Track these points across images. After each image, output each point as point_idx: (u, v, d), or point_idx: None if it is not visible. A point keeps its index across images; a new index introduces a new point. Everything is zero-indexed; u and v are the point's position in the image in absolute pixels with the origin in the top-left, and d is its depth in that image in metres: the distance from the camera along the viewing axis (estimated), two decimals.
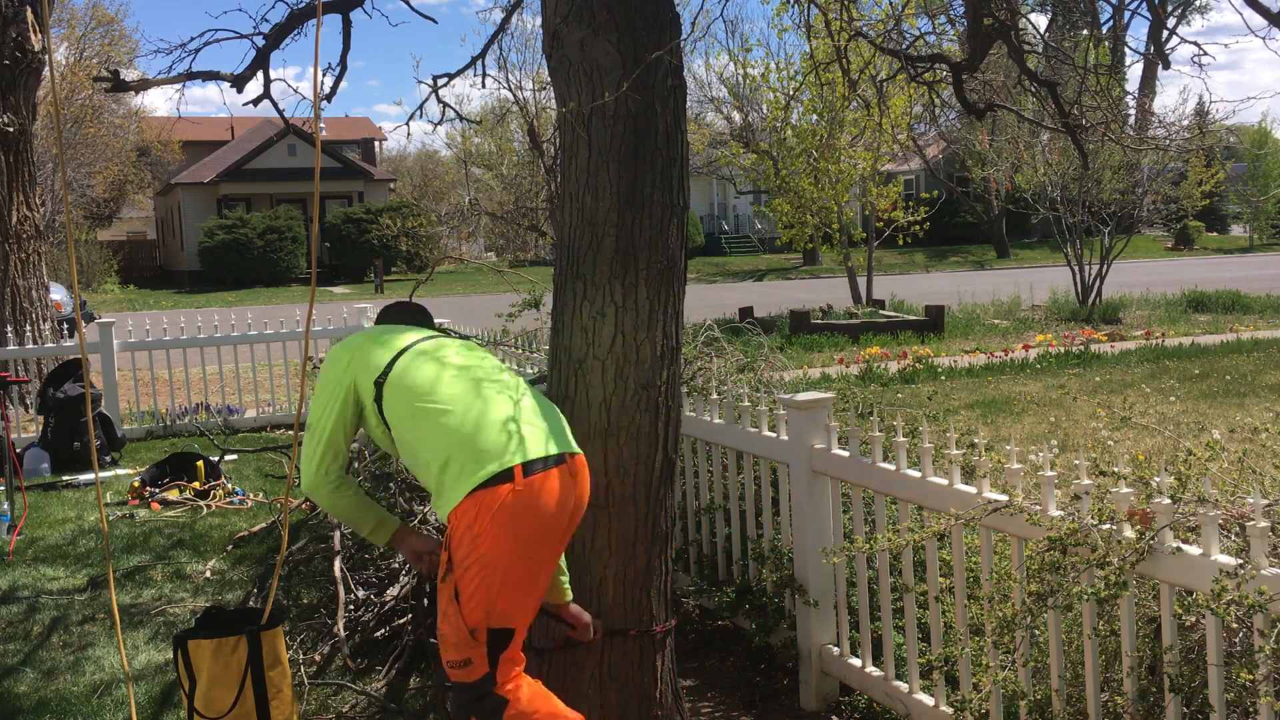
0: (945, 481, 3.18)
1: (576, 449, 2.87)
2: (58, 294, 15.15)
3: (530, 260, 38.81)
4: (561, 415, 2.96)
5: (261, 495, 7.03)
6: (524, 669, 2.86)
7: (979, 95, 4.13)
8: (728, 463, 4.32)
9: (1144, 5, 3.38)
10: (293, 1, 3.90)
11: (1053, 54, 4.30)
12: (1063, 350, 12.83)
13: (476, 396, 2.85)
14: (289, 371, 10.43)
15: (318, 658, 4.26)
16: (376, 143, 49.16)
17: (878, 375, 11.17)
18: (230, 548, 5.83)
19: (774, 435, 3.94)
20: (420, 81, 17.75)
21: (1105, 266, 18.28)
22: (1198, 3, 47.72)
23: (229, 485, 7.13)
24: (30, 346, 9.45)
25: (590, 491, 2.92)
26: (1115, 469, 2.73)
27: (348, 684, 3.99)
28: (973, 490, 3.07)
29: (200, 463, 7.21)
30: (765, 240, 44.43)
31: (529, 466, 2.73)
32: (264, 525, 6.11)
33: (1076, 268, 18.49)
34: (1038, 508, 2.87)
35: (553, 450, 2.78)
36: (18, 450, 7.28)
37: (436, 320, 3.31)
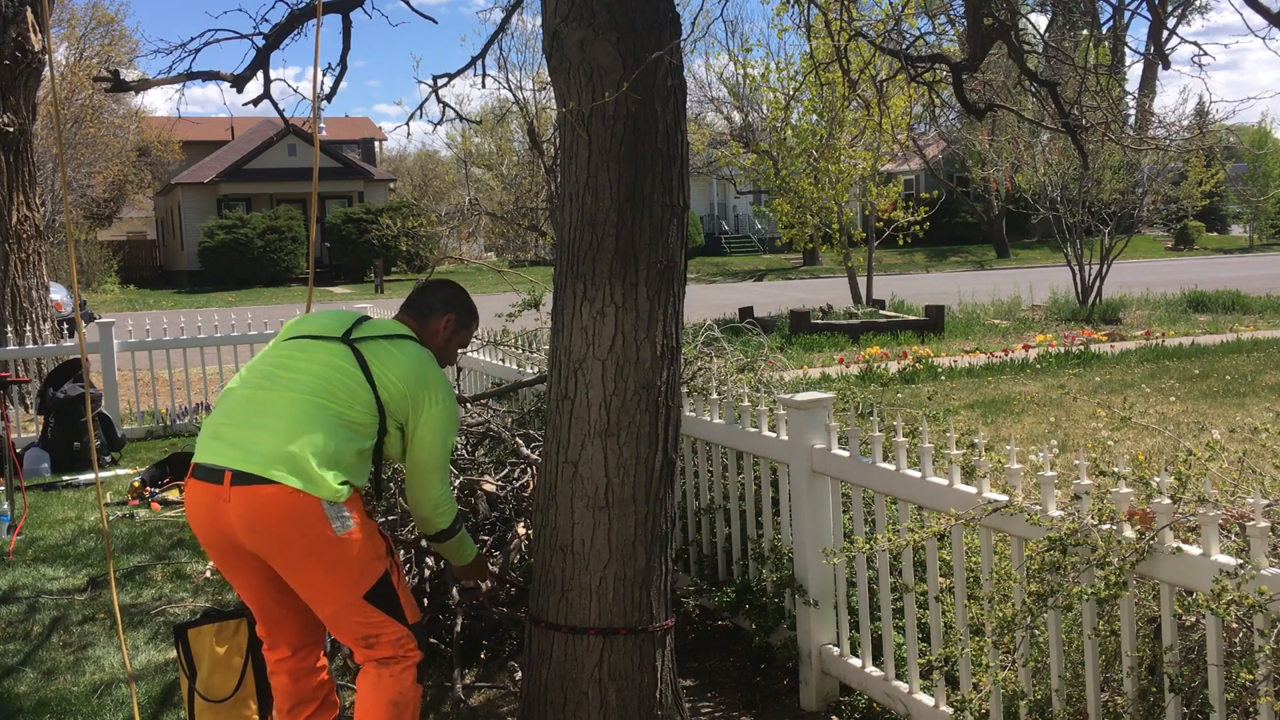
0: (945, 481, 3.18)
1: (258, 474, 2.65)
2: (58, 294, 15.16)
3: (530, 260, 38.81)
4: (286, 435, 2.72)
5: None
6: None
7: (979, 95, 4.13)
8: (728, 463, 4.31)
9: (1144, 5, 3.38)
10: (293, 1, 3.90)
11: (1053, 54, 4.30)
12: (1063, 350, 12.83)
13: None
14: None
15: None
16: (376, 143, 49.16)
17: (878, 375, 11.17)
18: None
19: (774, 435, 3.94)
20: (420, 81, 17.77)
21: (1105, 266, 18.28)
22: (1198, 3, 47.73)
23: None
24: (30, 346, 9.45)
25: (591, 493, 2.91)
26: (1115, 469, 2.73)
27: (348, 684, 3.99)
28: (973, 490, 3.07)
29: None
30: (765, 240, 44.43)
31: (195, 469, 2.79)
32: None
33: (1076, 268, 18.48)
34: (1038, 508, 2.87)
35: (213, 462, 2.74)
36: (18, 450, 7.28)
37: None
